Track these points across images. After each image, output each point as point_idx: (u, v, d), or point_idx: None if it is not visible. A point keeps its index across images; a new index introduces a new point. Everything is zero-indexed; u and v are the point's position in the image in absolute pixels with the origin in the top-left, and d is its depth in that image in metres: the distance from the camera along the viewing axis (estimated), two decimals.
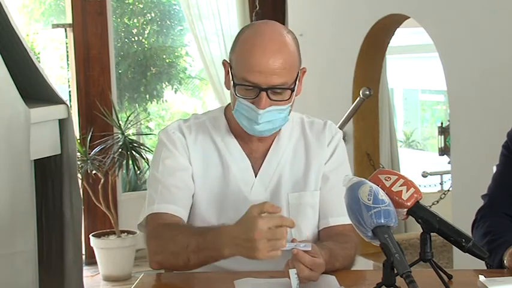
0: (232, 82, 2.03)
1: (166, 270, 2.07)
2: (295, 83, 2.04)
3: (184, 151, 2.13)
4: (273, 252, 1.76)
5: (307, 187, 2.15)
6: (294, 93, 2.05)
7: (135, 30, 7.73)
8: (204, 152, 2.14)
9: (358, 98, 4.60)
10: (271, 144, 2.16)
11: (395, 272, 1.68)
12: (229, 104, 2.19)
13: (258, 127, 2.03)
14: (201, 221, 2.10)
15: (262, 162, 2.14)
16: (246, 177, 2.13)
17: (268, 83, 1.98)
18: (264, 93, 1.99)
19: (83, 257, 4.36)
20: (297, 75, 2.05)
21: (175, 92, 7.96)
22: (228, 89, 2.10)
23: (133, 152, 5.58)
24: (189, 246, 1.92)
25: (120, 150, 5.55)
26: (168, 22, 7.82)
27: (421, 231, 1.85)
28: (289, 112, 2.08)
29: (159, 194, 2.09)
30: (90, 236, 5.68)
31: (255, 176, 2.13)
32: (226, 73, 2.09)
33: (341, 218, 2.10)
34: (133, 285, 1.95)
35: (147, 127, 7.82)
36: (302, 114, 2.24)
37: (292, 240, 1.85)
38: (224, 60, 2.13)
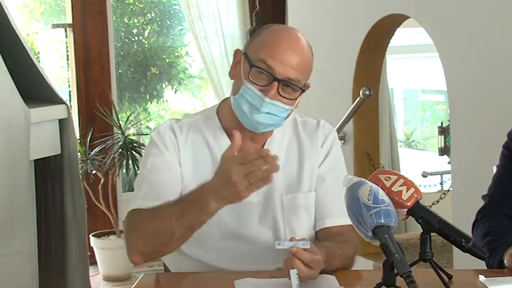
0: (247, 64, 2.03)
1: (148, 260, 2.02)
2: (303, 89, 2.05)
3: (174, 150, 2.12)
4: (251, 186, 1.78)
5: (300, 188, 2.14)
6: (300, 96, 2.05)
7: (135, 30, 7.73)
8: (196, 150, 2.13)
9: (358, 98, 4.60)
10: (263, 145, 2.15)
11: (396, 272, 1.68)
12: (222, 102, 2.19)
13: (258, 116, 2.02)
14: None
15: None
16: None
17: (285, 75, 2.00)
18: (276, 84, 2.00)
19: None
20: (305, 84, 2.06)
21: (175, 92, 7.96)
22: (232, 79, 2.10)
23: (133, 152, 5.58)
24: (172, 215, 1.91)
25: (120, 150, 5.55)
26: (168, 22, 7.82)
27: (421, 231, 1.85)
28: (287, 116, 2.08)
29: (144, 191, 2.08)
30: (90, 236, 5.67)
31: None
32: (236, 62, 2.09)
33: (338, 219, 2.10)
34: (133, 285, 1.95)
35: (147, 127, 7.81)
36: (295, 114, 2.22)
37: (291, 239, 1.85)
38: (237, 49, 2.13)
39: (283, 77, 2.00)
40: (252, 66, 2.01)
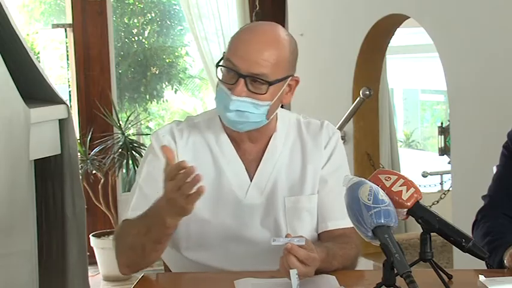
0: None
1: (136, 271, 2.06)
2: (279, 83, 2.01)
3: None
4: (190, 198, 1.77)
5: (303, 191, 2.12)
6: (274, 89, 2.00)
7: (135, 30, 7.73)
8: (197, 153, 2.12)
9: (358, 98, 4.60)
10: (266, 146, 2.13)
11: (396, 272, 1.68)
12: None
13: (229, 115, 2.01)
14: (195, 222, 2.06)
15: (257, 165, 2.12)
16: (241, 180, 2.10)
17: (248, 70, 1.97)
18: (241, 80, 1.98)
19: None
20: (284, 78, 2.03)
21: (176, 92, 7.97)
22: None
23: (133, 152, 5.58)
24: (141, 231, 1.92)
25: (120, 150, 5.55)
26: (168, 22, 7.82)
27: (421, 231, 1.85)
28: (268, 112, 2.04)
29: (135, 200, 2.08)
30: (90, 236, 5.67)
31: (250, 180, 2.11)
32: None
33: (340, 221, 2.09)
34: (133, 285, 1.95)
35: (147, 127, 7.81)
36: (299, 115, 2.21)
37: (286, 236, 1.85)
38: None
39: (247, 73, 1.98)
40: (218, 66, 2.03)
